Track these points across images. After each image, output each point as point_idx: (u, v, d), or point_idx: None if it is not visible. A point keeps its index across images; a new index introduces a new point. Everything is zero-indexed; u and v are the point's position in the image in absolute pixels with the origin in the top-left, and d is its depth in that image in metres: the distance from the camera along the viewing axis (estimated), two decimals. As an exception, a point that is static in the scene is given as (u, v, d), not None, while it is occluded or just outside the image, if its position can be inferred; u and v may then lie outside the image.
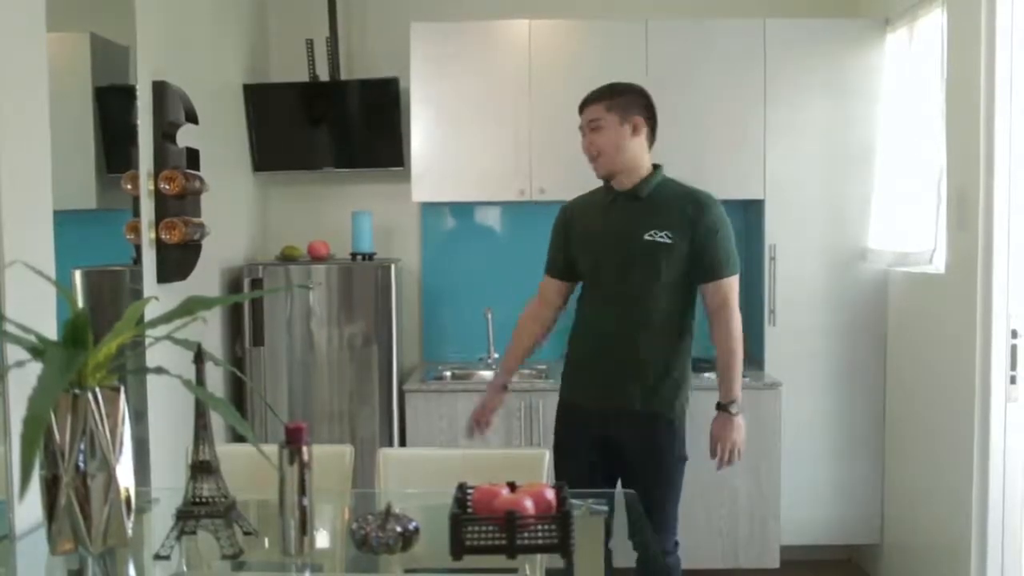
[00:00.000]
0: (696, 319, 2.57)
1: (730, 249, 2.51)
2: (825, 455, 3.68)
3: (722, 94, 3.63)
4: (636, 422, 2.51)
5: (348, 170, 3.98)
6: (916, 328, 3.37)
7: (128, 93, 2.68)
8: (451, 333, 4.08)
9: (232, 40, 3.71)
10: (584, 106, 2.54)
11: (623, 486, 2.48)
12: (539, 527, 1.67)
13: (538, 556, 1.75)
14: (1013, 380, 2.76)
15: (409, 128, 3.70)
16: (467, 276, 4.07)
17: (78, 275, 2.35)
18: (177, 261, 2.86)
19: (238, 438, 3.07)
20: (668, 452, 2.52)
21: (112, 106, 2.70)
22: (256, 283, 3.59)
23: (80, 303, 1.68)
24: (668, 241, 2.45)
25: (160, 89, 2.78)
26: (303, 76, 3.90)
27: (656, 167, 2.55)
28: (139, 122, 2.69)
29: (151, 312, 1.65)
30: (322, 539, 1.87)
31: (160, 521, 1.86)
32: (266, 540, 1.77)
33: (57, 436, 1.51)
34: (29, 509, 1.64)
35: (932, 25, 3.23)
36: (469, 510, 1.73)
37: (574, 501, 1.76)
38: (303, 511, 1.63)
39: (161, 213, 2.78)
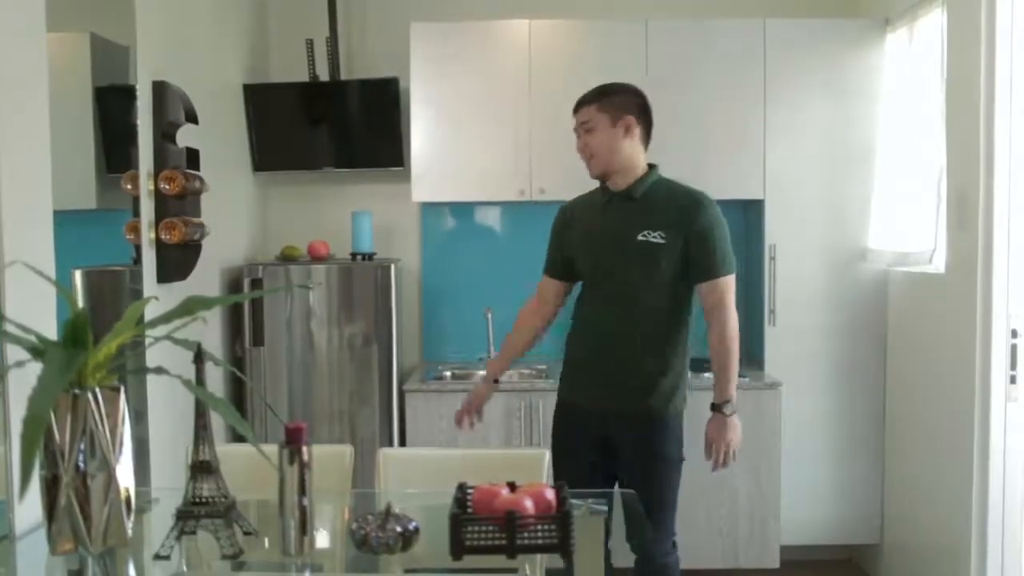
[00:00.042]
0: (694, 319, 2.57)
1: (726, 248, 2.50)
2: (825, 455, 3.69)
3: (722, 94, 3.63)
4: (634, 422, 2.50)
5: (348, 170, 3.98)
6: (916, 328, 3.37)
7: (128, 93, 2.68)
8: (451, 333, 4.08)
9: (232, 40, 3.70)
10: (577, 108, 2.55)
11: (621, 486, 2.48)
12: (539, 527, 1.67)
13: (538, 556, 1.75)
14: (1013, 380, 2.76)
15: (409, 128, 3.70)
16: (467, 276, 4.07)
17: (78, 275, 2.35)
18: (177, 261, 2.86)
19: (238, 438, 3.07)
20: (665, 452, 2.51)
21: (112, 106, 2.70)
22: (256, 283, 3.59)
23: (80, 303, 1.67)
24: (662, 241, 2.45)
25: (160, 89, 2.78)
26: (303, 76, 3.90)
27: (652, 167, 2.55)
28: (139, 122, 2.69)
29: (151, 312, 1.65)
30: (322, 539, 1.87)
31: (160, 521, 1.86)
32: (266, 540, 1.76)
33: (57, 436, 1.51)
34: (29, 509, 1.64)
35: (932, 25, 3.23)
36: (469, 510, 1.73)
37: (574, 501, 1.75)
38: (303, 511, 1.63)
39: (161, 213, 2.78)
